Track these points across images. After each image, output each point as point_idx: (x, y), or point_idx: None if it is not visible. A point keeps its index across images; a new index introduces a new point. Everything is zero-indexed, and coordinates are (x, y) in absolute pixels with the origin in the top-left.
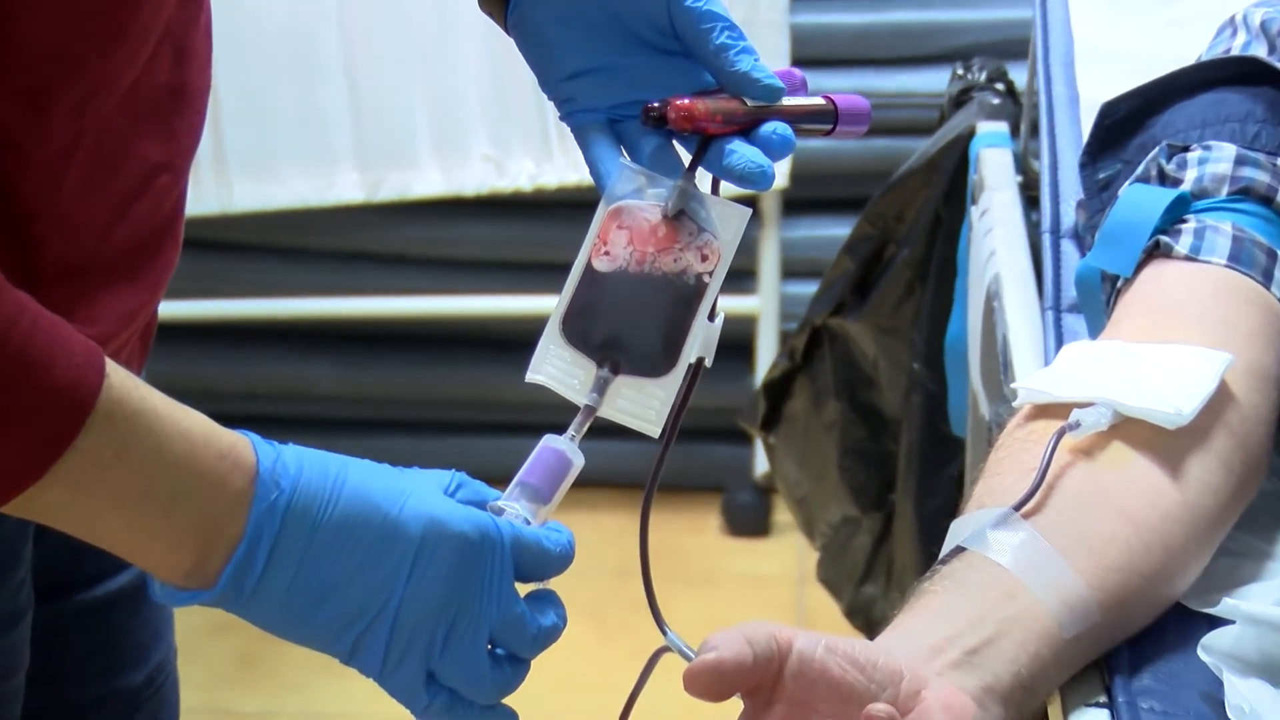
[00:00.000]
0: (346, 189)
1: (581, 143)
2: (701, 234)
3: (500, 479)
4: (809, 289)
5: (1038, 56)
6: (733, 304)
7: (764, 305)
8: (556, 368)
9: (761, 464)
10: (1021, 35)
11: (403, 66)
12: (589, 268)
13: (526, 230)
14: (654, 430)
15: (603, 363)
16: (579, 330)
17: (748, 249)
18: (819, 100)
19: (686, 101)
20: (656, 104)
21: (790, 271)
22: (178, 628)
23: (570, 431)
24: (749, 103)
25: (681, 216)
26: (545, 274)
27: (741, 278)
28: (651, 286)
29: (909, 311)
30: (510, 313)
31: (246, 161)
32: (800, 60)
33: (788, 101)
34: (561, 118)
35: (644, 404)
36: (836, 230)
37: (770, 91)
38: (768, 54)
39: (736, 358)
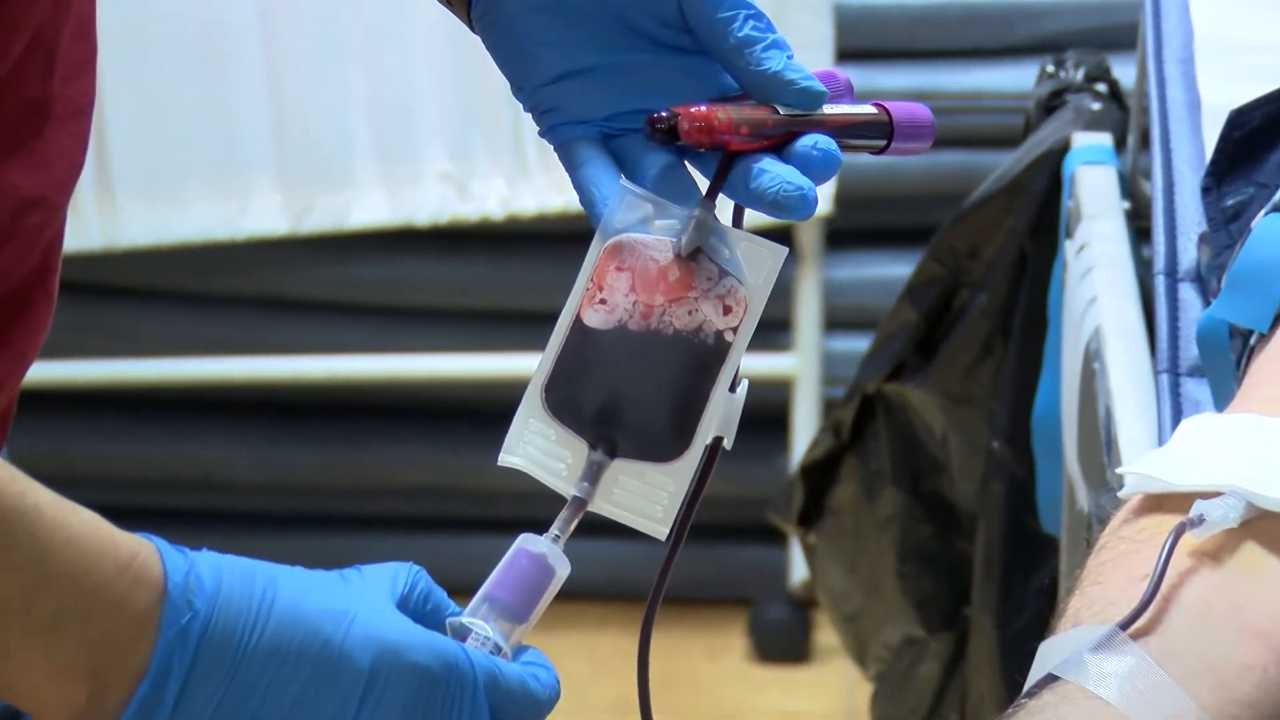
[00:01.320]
0: (266, 217)
1: (568, 162)
2: (724, 279)
3: (463, 590)
4: (859, 345)
5: (1148, 50)
6: (763, 364)
7: (802, 365)
8: (537, 448)
9: (800, 570)
10: (1128, 21)
11: (338, 63)
12: (579, 321)
13: (497, 269)
14: (661, 530)
15: (596, 443)
16: (567, 401)
17: (782, 293)
18: (869, 109)
19: (703, 109)
20: (664, 113)
21: (835, 322)
22: None
23: (553, 530)
24: (781, 111)
25: (698, 256)
26: (521, 327)
27: (774, 330)
28: (659, 346)
29: (986, 375)
30: (476, 376)
31: (137, 183)
32: (847, 53)
33: (829, 110)
34: (542, 133)
35: (649, 496)
36: (894, 270)
37: (808, 96)
38: (806, 45)
39: (767, 433)
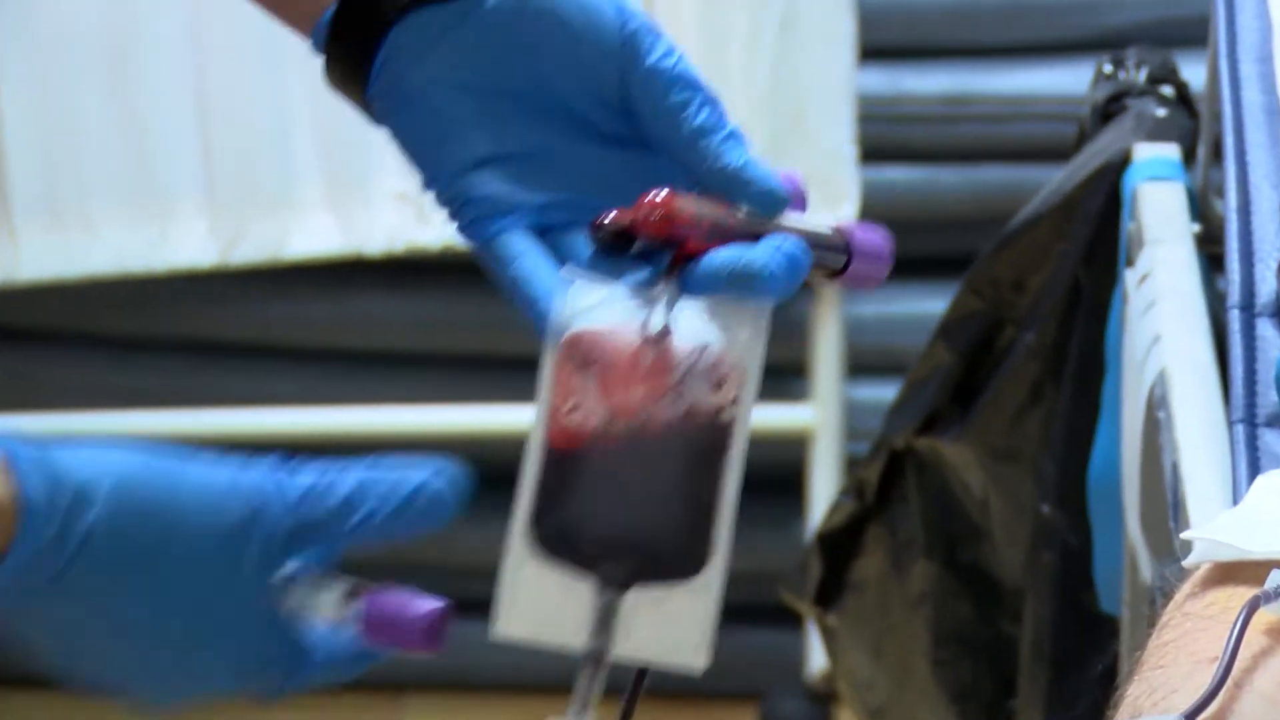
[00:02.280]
0: (190, 246)
1: (496, 260)
2: (705, 351)
3: (412, 680)
4: (885, 394)
5: (1220, 47)
6: (775, 417)
7: (821, 417)
8: (536, 605)
9: (818, 657)
10: (1197, 15)
11: (275, 71)
12: (551, 444)
13: (461, 306)
14: (699, 661)
15: (603, 578)
16: (558, 535)
17: (796, 334)
18: (826, 229)
19: (664, 195)
20: (611, 214)
21: (859, 367)
22: None
23: (572, 709)
24: (742, 211)
25: (667, 335)
26: (489, 372)
27: (787, 377)
28: (651, 448)
29: (1034, 426)
30: (436, 430)
31: (40, 208)
32: (872, 51)
33: (790, 221)
34: (460, 228)
35: (676, 624)
36: (926, 305)
37: (772, 201)
38: (824, 41)
39: (781, 496)
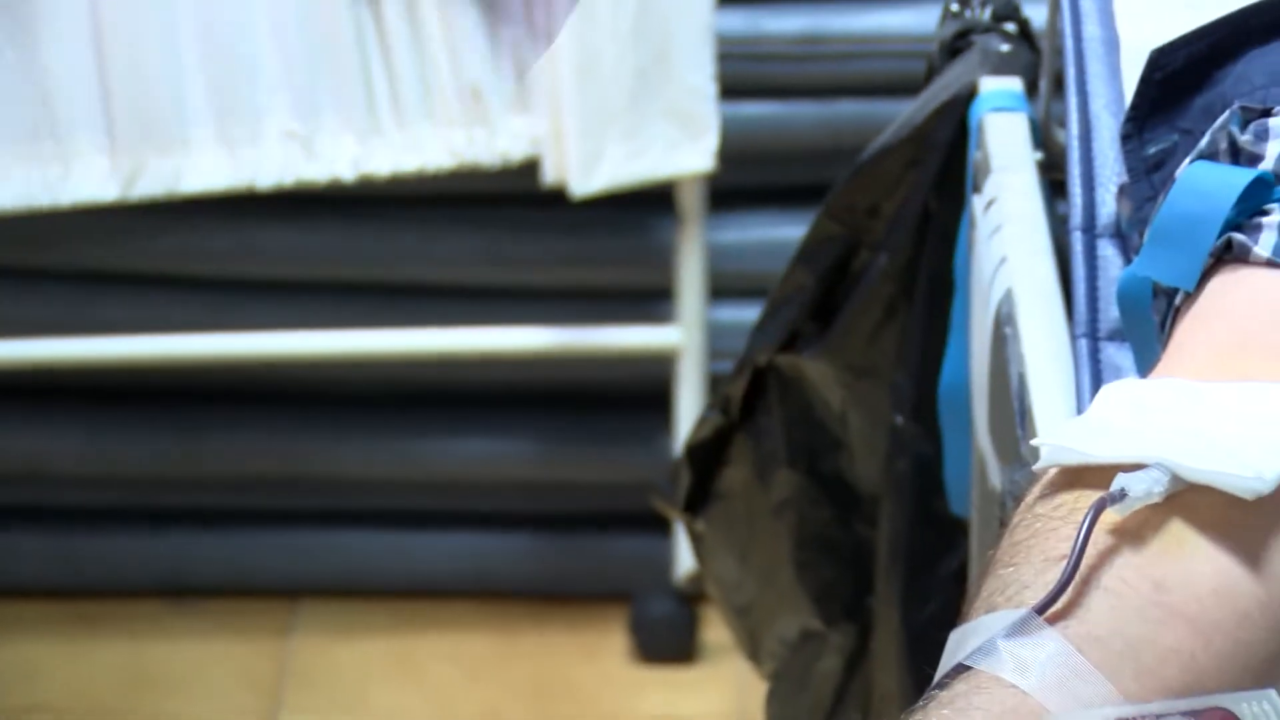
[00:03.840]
0: (92, 182)
1: None
2: None
3: (303, 587)
4: (747, 316)
5: None
6: (642, 338)
7: (685, 338)
8: None
9: (685, 561)
10: None
11: (168, 11)
12: None
13: (349, 237)
14: None
15: None
16: None
17: (662, 259)
18: None
19: None
20: None
21: (721, 290)
22: None
23: None
24: None
25: None
26: (375, 300)
27: (653, 300)
28: None
29: (889, 343)
30: (326, 354)
31: None
32: None
33: None
34: None
35: None
36: (785, 231)
37: None
38: None
39: (649, 412)
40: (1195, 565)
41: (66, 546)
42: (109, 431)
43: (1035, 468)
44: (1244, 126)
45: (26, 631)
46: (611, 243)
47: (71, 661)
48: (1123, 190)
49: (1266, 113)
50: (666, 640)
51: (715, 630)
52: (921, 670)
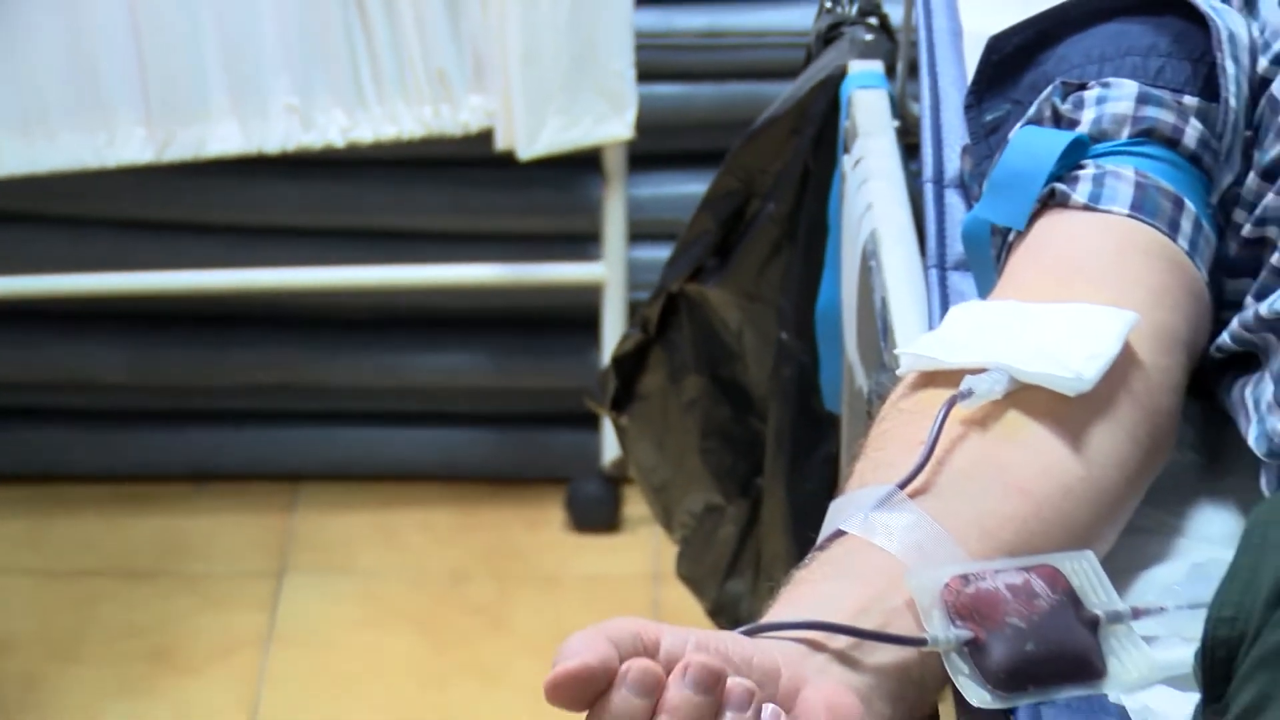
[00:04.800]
0: (131, 148)
1: None
2: None
3: (304, 473)
4: (661, 254)
5: None
6: (576, 272)
7: (610, 273)
8: None
9: (611, 450)
10: None
11: (193, 7)
12: None
13: (337, 191)
14: None
15: None
16: None
17: (591, 210)
18: None
19: None
20: None
21: (640, 234)
22: None
23: None
24: None
25: None
26: (357, 242)
27: (584, 242)
28: None
29: (776, 275)
30: (319, 285)
31: (13, 119)
32: None
33: None
34: None
35: None
36: (691, 187)
37: None
38: None
39: (581, 332)
40: (1029, 449)
41: (110, 441)
42: (145, 349)
43: (897, 372)
44: (1064, 98)
45: (79, 509)
46: (550, 196)
47: (115, 533)
48: (965, 150)
49: (1082, 86)
50: (596, 514)
51: (636, 505)
52: (804, 536)
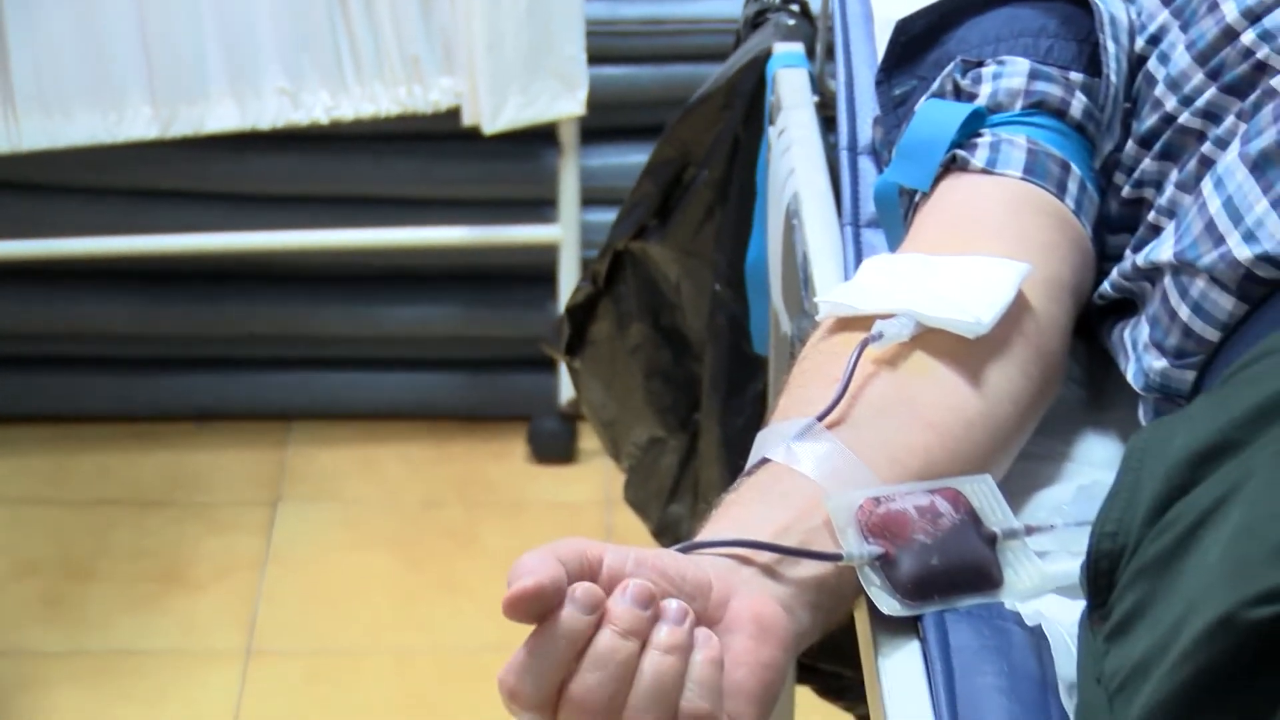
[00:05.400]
0: (140, 125)
1: None
2: None
3: (295, 413)
4: (609, 217)
5: None
6: (534, 234)
7: (565, 234)
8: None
9: (567, 390)
10: None
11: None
12: None
13: (322, 163)
14: None
15: None
16: None
17: (547, 178)
18: None
19: None
20: None
21: (590, 200)
22: None
23: None
24: None
25: None
26: (340, 207)
27: (541, 207)
28: None
29: (710, 233)
30: (308, 246)
31: (35, 99)
32: None
33: None
34: None
35: None
36: (636, 158)
37: None
38: None
39: (539, 286)
40: (933, 386)
41: (122, 385)
42: (153, 303)
43: (817, 318)
44: (964, 74)
45: (95, 446)
46: (511, 166)
47: (127, 467)
48: (876, 121)
49: (980, 64)
50: (554, 447)
51: (589, 440)
52: (736, 465)
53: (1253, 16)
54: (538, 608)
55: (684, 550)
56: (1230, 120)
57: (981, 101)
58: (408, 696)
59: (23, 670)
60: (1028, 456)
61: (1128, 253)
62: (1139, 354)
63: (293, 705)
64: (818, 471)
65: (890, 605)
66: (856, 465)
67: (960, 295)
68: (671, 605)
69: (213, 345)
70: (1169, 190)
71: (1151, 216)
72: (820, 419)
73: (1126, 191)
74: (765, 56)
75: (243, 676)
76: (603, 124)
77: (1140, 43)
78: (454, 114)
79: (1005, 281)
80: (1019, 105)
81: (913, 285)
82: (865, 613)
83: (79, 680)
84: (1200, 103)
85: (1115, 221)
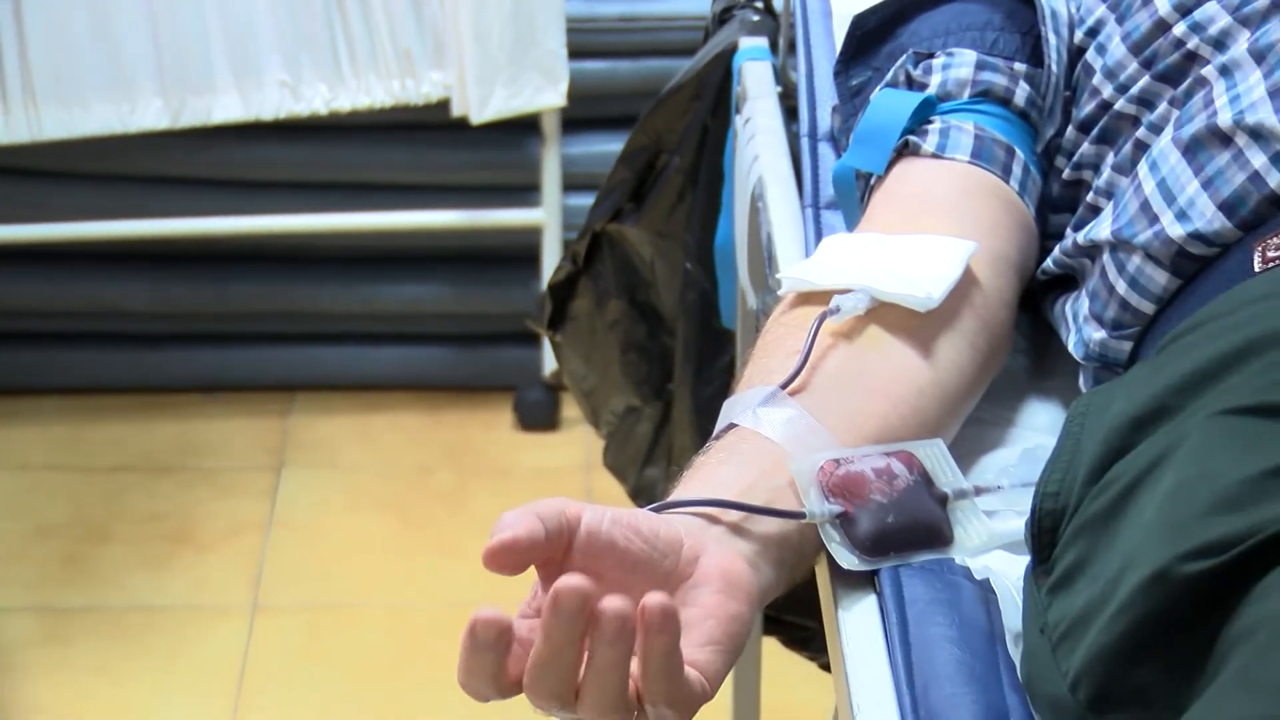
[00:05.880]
0: (150, 116)
1: None
2: None
3: (297, 384)
4: (588, 201)
5: None
6: (519, 217)
7: (548, 217)
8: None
9: (549, 363)
10: None
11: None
12: None
13: (320, 152)
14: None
15: None
16: None
17: (531, 165)
18: None
19: None
20: None
21: (571, 185)
22: (2, 537)
23: None
24: None
25: None
26: (339, 193)
27: (525, 192)
28: None
29: (681, 216)
30: (308, 229)
31: (54, 91)
32: None
33: None
34: None
35: None
36: (613, 146)
37: None
38: None
39: (523, 266)
40: (887, 356)
41: (135, 359)
42: (164, 282)
43: (779, 293)
44: (916, 65)
45: (110, 416)
46: (498, 154)
47: (141, 434)
48: (834, 110)
49: (930, 56)
50: (538, 416)
51: (570, 409)
52: (706, 431)
53: (1184, 10)
54: (514, 560)
55: (657, 510)
56: (1163, 107)
57: (932, 91)
58: (402, 647)
59: (44, 625)
60: (976, 421)
61: (1068, 231)
62: (1079, 326)
63: (296, 656)
64: (781, 435)
65: (849, 560)
66: (817, 430)
67: (912, 271)
68: (610, 613)
69: (219, 321)
70: (1106, 172)
71: (1090, 197)
72: (783, 387)
73: (1067, 174)
74: (731, 50)
75: (249, 630)
76: (582, 114)
77: (1079, 35)
78: (444, 105)
79: (954, 259)
80: (967, 94)
81: (868, 262)
82: (826, 568)
83: (96, 634)
84: (1135, 90)
85: (1057, 202)
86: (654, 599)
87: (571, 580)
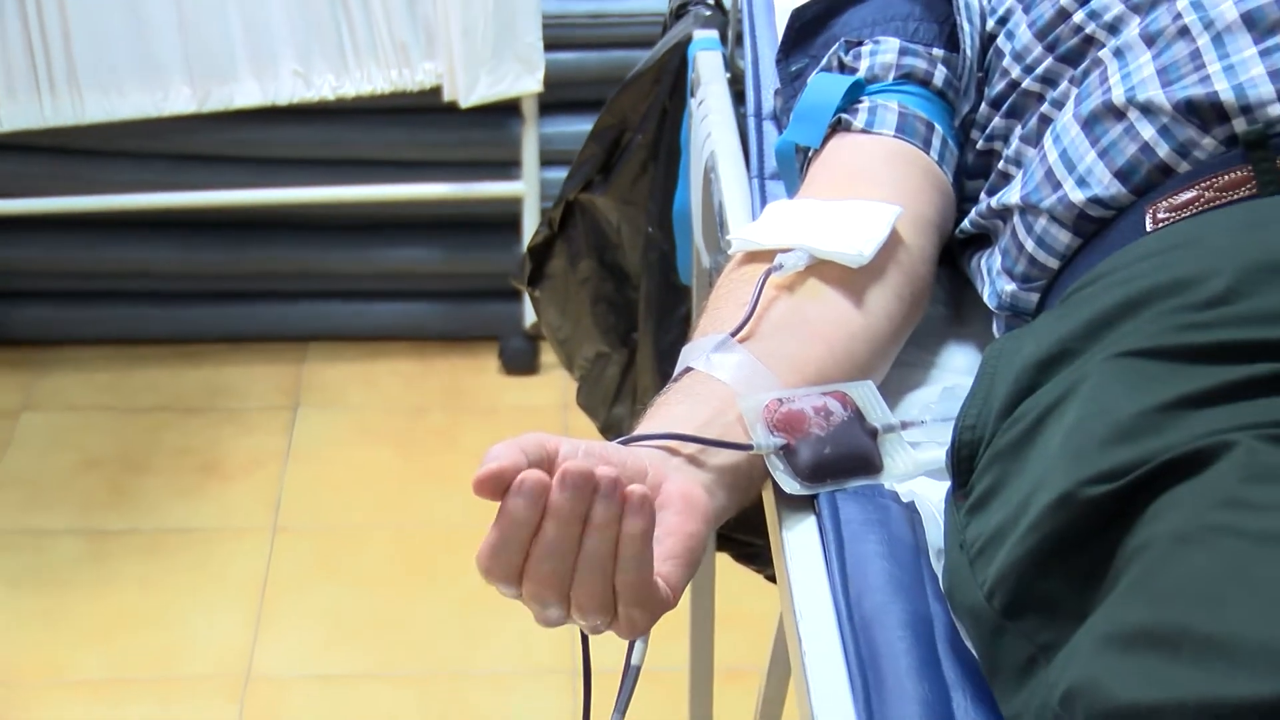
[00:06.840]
0: (180, 102)
1: None
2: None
3: (310, 335)
4: (563, 174)
5: None
6: (502, 189)
7: (527, 188)
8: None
9: (530, 315)
10: None
11: None
12: None
13: (330, 131)
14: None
15: None
16: None
17: (512, 143)
18: None
19: None
20: None
21: (547, 160)
22: (54, 468)
23: None
24: None
25: None
26: (345, 168)
27: (507, 166)
28: None
29: (644, 186)
30: (319, 200)
31: (95, 80)
32: None
33: None
34: None
35: None
36: (584, 126)
37: None
38: None
39: (506, 230)
40: (824, 306)
41: (169, 314)
42: (194, 247)
43: (729, 252)
44: (847, 52)
45: (147, 364)
46: (483, 133)
47: (174, 379)
48: (777, 93)
49: (859, 44)
50: (521, 362)
51: (548, 355)
52: (665, 373)
53: None
54: (501, 486)
55: (624, 443)
56: (1065, 85)
57: (861, 74)
58: (404, 563)
59: (92, 546)
60: (902, 364)
61: (983, 196)
62: (993, 279)
63: (310, 571)
64: (731, 378)
65: (792, 486)
66: (763, 372)
67: (845, 232)
68: (606, 478)
69: (242, 281)
70: (1015, 144)
71: (1001, 165)
72: (733, 335)
73: (980, 145)
74: (687, 41)
75: (270, 549)
76: (557, 99)
77: (991, 23)
78: (436, 91)
79: (882, 220)
80: (891, 76)
81: (807, 225)
82: (771, 493)
83: (136, 553)
84: (1040, 71)
85: (972, 170)
86: (636, 487)
87: (533, 473)
